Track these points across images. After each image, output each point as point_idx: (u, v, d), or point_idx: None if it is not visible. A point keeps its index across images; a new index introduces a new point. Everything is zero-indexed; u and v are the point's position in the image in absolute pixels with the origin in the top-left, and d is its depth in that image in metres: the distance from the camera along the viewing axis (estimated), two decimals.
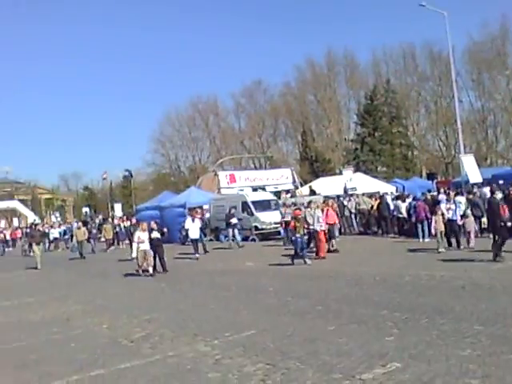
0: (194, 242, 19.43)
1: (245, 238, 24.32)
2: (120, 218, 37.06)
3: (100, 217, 43.75)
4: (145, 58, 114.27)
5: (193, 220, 19.85)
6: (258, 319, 8.37)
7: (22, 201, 71.67)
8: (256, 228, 24.60)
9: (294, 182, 35.32)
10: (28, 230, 34.74)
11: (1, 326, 9.84)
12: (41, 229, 31.12)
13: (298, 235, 14.44)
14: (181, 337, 7.70)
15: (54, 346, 7.94)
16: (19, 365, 6.99)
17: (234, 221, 22.21)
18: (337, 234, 18.28)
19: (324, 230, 15.96)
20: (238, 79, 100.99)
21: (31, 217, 57.90)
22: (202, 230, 21.03)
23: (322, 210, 16.89)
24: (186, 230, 20.25)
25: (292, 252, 14.96)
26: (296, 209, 16.89)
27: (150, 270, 15.06)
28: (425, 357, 5.69)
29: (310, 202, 17.17)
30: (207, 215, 26.93)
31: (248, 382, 5.53)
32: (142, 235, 15.19)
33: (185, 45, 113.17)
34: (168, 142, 73.28)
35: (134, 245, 15.35)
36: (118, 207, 46.02)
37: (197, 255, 19.07)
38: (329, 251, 16.26)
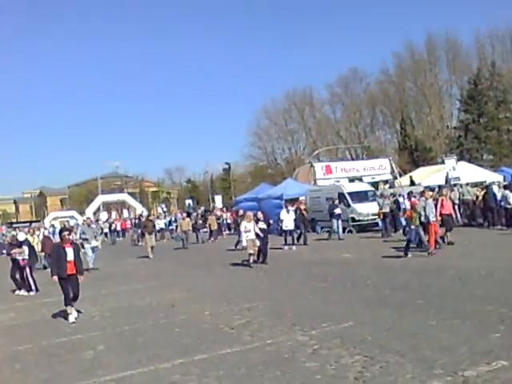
0: (287, 232, 19.69)
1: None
2: (221, 209, 38.29)
3: (202, 208, 45.29)
4: (245, 55, 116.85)
5: (287, 211, 20.10)
6: (355, 311, 8.33)
7: (130, 194, 76.01)
8: (353, 219, 24.29)
9: (393, 171, 34.33)
10: (137, 221, 36.78)
11: (113, 310, 10.57)
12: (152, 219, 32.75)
13: (412, 226, 14.04)
14: (279, 326, 7.86)
15: (160, 330, 8.42)
16: (130, 347, 7.51)
17: (337, 211, 22.08)
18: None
19: (437, 222, 15.01)
20: (334, 71, 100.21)
21: (139, 208, 61.24)
22: (302, 221, 21.14)
23: (436, 201, 16.04)
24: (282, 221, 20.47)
25: (399, 244, 14.60)
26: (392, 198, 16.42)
27: (251, 259, 15.42)
28: None
29: (423, 192, 16.58)
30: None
31: (346, 373, 5.54)
32: (247, 225, 15.65)
33: (282, 40, 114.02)
34: (265, 134, 74.13)
35: (243, 234, 15.80)
36: (218, 199, 47.42)
37: (288, 247, 19.37)
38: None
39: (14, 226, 40.89)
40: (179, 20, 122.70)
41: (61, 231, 10.90)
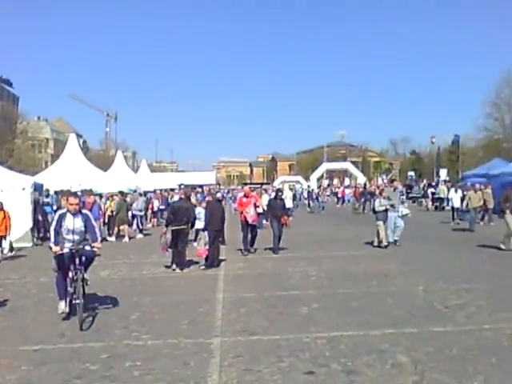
0: (454, 209, 22.69)
1: None
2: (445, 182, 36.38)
3: (424, 181, 43.56)
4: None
5: (455, 191, 23.30)
6: None
7: (353, 162, 76.98)
8: None
9: None
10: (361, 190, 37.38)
11: (329, 272, 11.02)
12: None
13: None
14: (499, 312, 7.36)
15: (372, 298, 8.56)
16: (342, 310, 7.81)
17: None
18: None
19: None
20: None
21: (361, 178, 61.69)
22: None
23: None
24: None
25: None
26: None
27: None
28: None
29: None
30: None
31: None
32: None
33: None
34: (504, 104, 66.89)
35: None
36: (443, 172, 45.07)
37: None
38: None
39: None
40: None
41: None
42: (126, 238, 18.80)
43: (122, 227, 19.11)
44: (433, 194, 32.95)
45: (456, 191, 23.83)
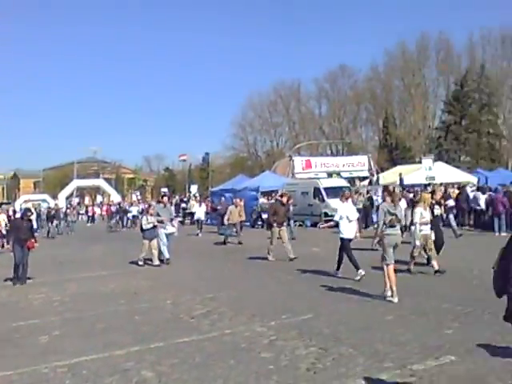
0: (200, 222, 24.86)
1: (313, 224, 24.54)
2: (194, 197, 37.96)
3: (177, 197, 44.96)
4: (230, 44, 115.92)
5: (200, 205, 26.15)
6: (316, 304, 8.37)
7: (106, 179, 75.23)
8: (326, 214, 24.42)
9: (370, 169, 34.62)
10: (114, 208, 37.06)
11: (74, 295, 10.40)
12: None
13: None
14: (239, 316, 7.86)
15: (120, 317, 8.33)
16: (87, 333, 7.40)
17: None
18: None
19: None
20: (323, 66, 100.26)
21: (114, 195, 60.67)
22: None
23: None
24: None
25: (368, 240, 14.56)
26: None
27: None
28: (482, 352, 5.47)
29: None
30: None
31: (298, 364, 5.57)
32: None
33: (270, 30, 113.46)
34: (248, 126, 73.94)
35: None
36: (194, 188, 47.17)
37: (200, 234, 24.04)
38: None
39: None
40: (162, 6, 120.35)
41: None
42: None
43: None
44: (184, 209, 34.22)
45: (200, 205, 26.22)
